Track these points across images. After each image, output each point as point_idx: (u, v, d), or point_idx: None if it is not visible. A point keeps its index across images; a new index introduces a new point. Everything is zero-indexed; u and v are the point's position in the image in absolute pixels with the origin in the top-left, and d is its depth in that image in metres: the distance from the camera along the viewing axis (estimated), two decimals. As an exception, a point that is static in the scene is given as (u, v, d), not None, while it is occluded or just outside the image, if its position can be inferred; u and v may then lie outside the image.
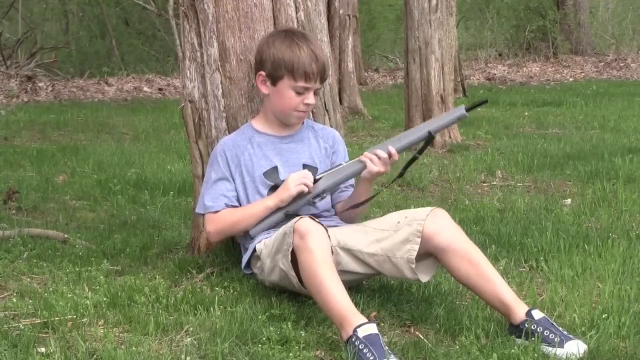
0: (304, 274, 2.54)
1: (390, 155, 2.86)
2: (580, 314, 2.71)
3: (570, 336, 2.44)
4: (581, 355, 2.38)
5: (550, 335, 2.43)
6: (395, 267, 2.70)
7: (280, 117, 3.03)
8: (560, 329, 2.47)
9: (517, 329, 2.52)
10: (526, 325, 2.48)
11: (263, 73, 2.98)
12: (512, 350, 2.36)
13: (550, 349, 2.40)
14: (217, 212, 2.98)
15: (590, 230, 3.89)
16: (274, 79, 2.96)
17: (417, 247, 2.66)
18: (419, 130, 2.93)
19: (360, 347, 2.29)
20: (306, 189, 2.87)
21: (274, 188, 2.98)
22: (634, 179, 5.16)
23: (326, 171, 2.98)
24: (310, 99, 2.97)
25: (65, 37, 18.13)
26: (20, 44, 14.71)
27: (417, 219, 2.69)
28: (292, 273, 2.63)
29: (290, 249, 2.59)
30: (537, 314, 2.51)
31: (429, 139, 2.90)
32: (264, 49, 2.98)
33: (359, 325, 2.34)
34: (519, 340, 2.47)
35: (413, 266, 2.67)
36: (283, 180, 2.96)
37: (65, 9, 18.79)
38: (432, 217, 2.68)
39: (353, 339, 2.32)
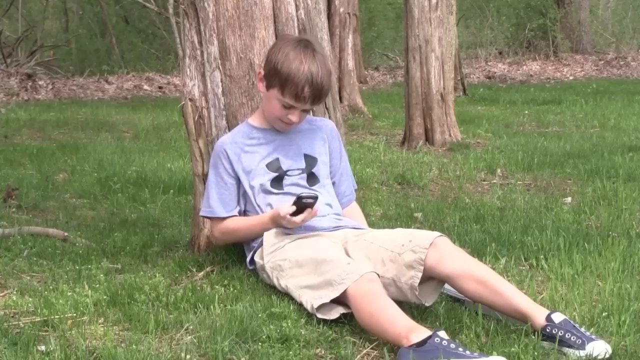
0: (359, 313, 2.51)
1: None
2: (580, 312, 2.71)
3: (593, 337, 2.40)
4: (603, 356, 2.34)
5: (571, 338, 2.39)
6: (400, 290, 2.68)
7: (267, 119, 3.08)
8: (583, 330, 2.44)
9: (542, 335, 2.47)
10: (547, 330, 2.45)
11: (262, 72, 3.00)
12: (512, 349, 2.36)
13: (572, 351, 2.38)
14: (224, 219, 3.06)
15: (590, 228, 3.89)
16: (268, 84, 2.99)
17: (420, 275, 2.64)
18: None
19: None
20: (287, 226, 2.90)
21: (277, 179, 3.02)
22: (634, 177, 5.15)
23: None
24: (294, 116, 2.99)
25: (65, 35, 18.09)
26: (20, 42, 14.70)
27: (420, 247, 2.66)
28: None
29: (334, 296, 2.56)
30: (558, 317, 2.46)
31: None
32: (274, 50, 2.99)
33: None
34: (545, 344, 2.44)
35: (417, 293, 2.66)
36: (286, 171, 3.02)
37: (65, 7, 18.76)
38: (433, 250, 2.65)
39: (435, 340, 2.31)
